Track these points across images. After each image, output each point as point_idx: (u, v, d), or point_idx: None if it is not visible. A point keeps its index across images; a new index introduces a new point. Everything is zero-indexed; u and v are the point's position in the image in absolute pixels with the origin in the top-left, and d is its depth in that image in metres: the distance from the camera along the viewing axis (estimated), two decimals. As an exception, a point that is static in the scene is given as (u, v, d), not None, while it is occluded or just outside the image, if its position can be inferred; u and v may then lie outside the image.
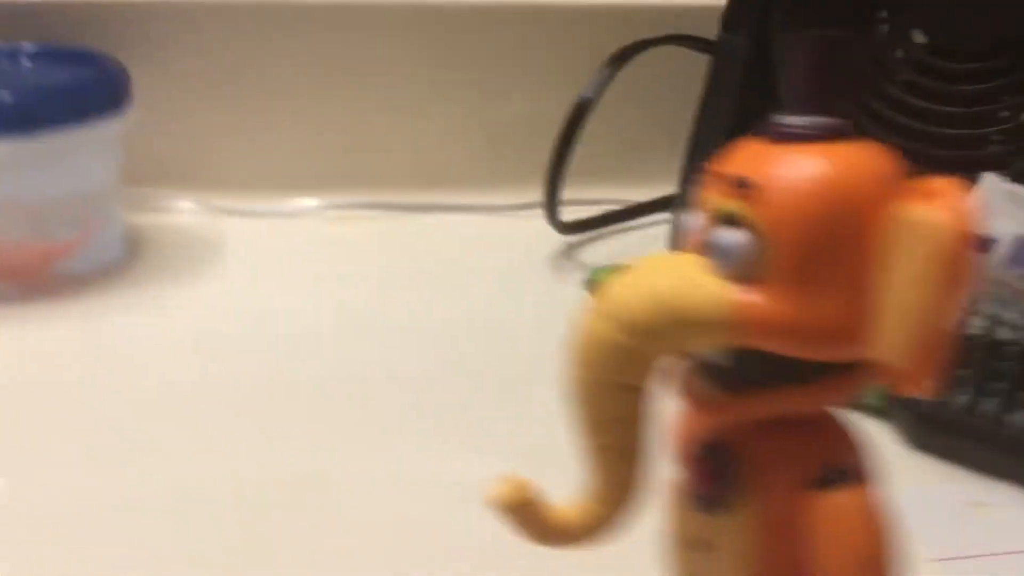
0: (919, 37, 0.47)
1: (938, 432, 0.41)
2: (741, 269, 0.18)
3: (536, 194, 0.58)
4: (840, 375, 0.19)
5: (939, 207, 0.16)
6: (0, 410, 0.43)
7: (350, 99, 0.65)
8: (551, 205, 0.57)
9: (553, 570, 0.32)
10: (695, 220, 0.20)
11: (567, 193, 0.58)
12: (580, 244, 0.60)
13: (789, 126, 0.19)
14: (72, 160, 0.52)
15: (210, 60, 0.63)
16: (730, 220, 0.18)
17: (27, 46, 0.56)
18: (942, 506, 0.39)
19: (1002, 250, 0.42)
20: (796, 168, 0.18)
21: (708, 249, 0.19)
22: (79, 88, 0.52)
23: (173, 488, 0.38)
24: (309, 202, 0.64)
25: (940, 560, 0.36)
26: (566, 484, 0.21)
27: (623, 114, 0.62)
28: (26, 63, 0.55)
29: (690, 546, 0.21)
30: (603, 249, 0.59)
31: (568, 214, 0.59)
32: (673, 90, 0.59)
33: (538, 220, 0.59)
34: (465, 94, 0.66)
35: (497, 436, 0.41)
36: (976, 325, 0.41)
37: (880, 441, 0.41)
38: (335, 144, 0.65)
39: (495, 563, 0.32)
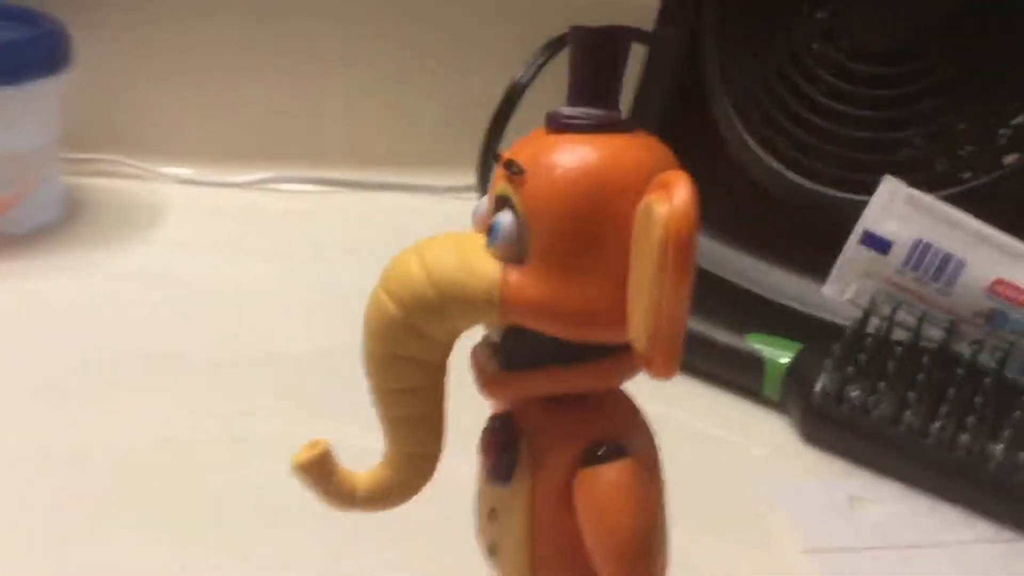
0: (841, 40, 0.47)
1: (829, 427, 0.42)
2: (510, 250, 0.19)
3: (472, 178, 0.59)
4: (607, 358, 0.19)
5: (661, 199, 0.17)
6: None
7: (300, 75, 0.65)
8: (483, 187, 0.57)
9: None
10: (485, 203, 0.20)
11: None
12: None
13: (564, 116, 0.19)
14: (5, 119, 0.52)
15: (158, 24, 0.63)
16: (502, 201, 0.19)
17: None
18: (820, 499, 0.39)
19: (899, 252, 0.42)
20: (556, 155, 0.19)
21: (487, 231, 0.19)
22: (14, 47, 0.52)
23: (98, 445, 0.38)
24: (254, 174, 0.64)
25: (810, 552, 0.36)
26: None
27: (559, 101, 0.62)
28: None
29: (485, 516, 0.21)
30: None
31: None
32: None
33: (473, 201, 0.59)
34: (409, 78, 0.66)
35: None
36: (872, 325, 0.42)
37: (773, 433, 0.43)
38: (280, 118, 0.66)
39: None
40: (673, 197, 0.17)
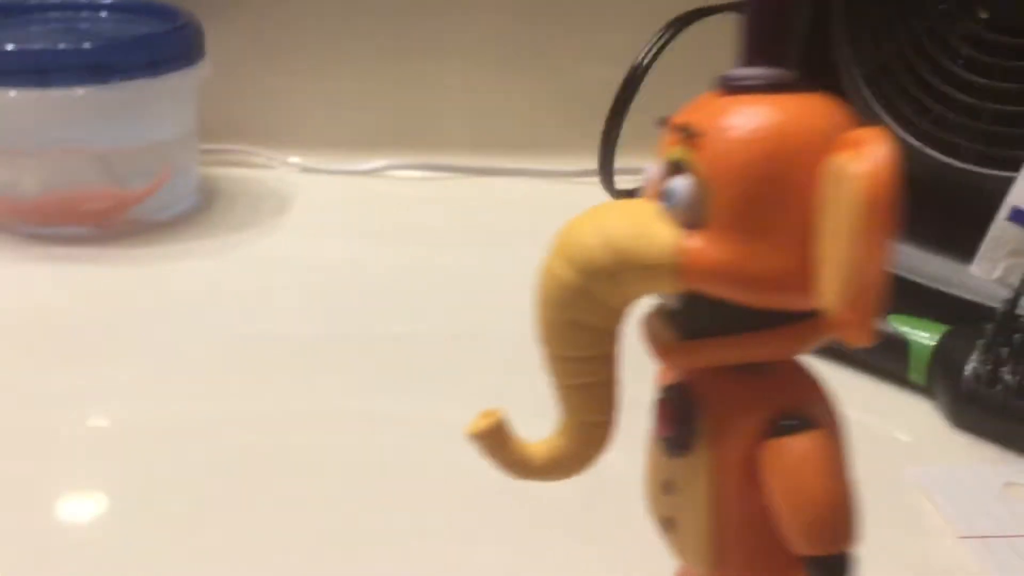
0: (981, 13, 0.45)
1: (979, 411, 0.40)
2: (688, 215, 0.18)
3: (594, 162, 0.58)
4: (790, 325, 0.19)
5: (858, 157, 0.16)
6: (73, 341, 0.45)
7: (420, 65, 0.66)
8: (606, 171, 0.57)
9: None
10: (654, 168, 0.20)
11: (625, 161, 0.58)
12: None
13: (737, 77, 0.19)
14: (144, 110, 0.54)
15: (286, 19, 0.64)
16: (677, 167, 0.19)
17: (104, 1, 0.58)
18: (974, 485, 0.38)
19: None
20: (736, 116, 0.18)
21: (661, 196, 0.19)
22: (153, 40, 0.54)
23: (226, 419, 0.40)
24: (376, 162, 0.65)
25: (966, 538, 0.35)
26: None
27: (680, 82, 0.61)
28: (104, 15, 0.58)
29: (659, 488, 0.21)
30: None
31: (625, 182, 0.59)
32: (728, 59, 0.58)
33: (594, 187, 0.59)
34: (530, 65, 0.66)
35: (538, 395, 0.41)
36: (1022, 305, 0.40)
37: (921, 418, 0.41)
38: (402, 108, 0.67)
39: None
40: (869, 154, 0.16)
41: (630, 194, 0.58)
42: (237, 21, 0.63)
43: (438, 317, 0.48)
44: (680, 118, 0.19)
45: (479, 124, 0.67)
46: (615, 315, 0.19)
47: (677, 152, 0.19)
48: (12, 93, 0.50)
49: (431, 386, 0.42)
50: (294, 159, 0.65)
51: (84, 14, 0.57)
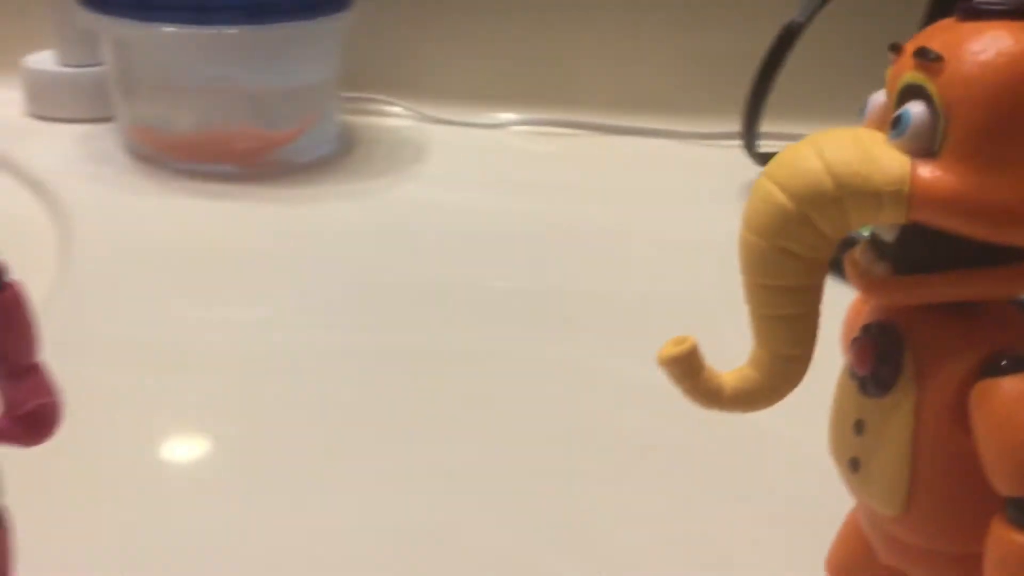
0: None
1: None
2: (919, 144, 0.18)
3: (735, 125, 0.57)
4: (1016, 262, 0.18)
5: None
6: (219, 272, 0.47)
7: (558, 21, 0.66)
8: (749, 134, 0.56)
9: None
10: (878, 98, 0.19)
11: (767, 126, 0.57)
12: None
13: (981, 2, 0.18)
14: (294, 53, 0.55)
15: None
16: (911, 92, 0.18)
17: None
18: None
19: None
20: (980, 42, 0.17)
21: (888, 125, 0.18)
22: (307, -15, 0.55)
23: (362, 350, 0.41)
24: (509, 115, 0.66)
25: None
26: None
27: (833, 46, 0.59)
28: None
29: (849, 428, 0.21)
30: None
31: (766, 147, 0.58)
32: (887, 25, 0.56)
33: (735, 150, 0.58)
34: (670, 23, 0.65)
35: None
36: None
37: None
38: (540, 63, 0.67)
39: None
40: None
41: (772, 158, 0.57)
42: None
43: (571, 269, 0.49)
44: (917, 42, 0.18)
45: (616, 82, 0.67)
46: (828, 245, 0.19)
47: (913, 77, 0.18)
48: (171, 29, 0.51)
49: (564, 333, 0.43)
50: (432, 111, 0.65)
51: (241, -43, 0.59)
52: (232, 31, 0.52)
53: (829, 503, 0.24)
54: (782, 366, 0.20)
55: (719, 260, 0.47)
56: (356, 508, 0.32)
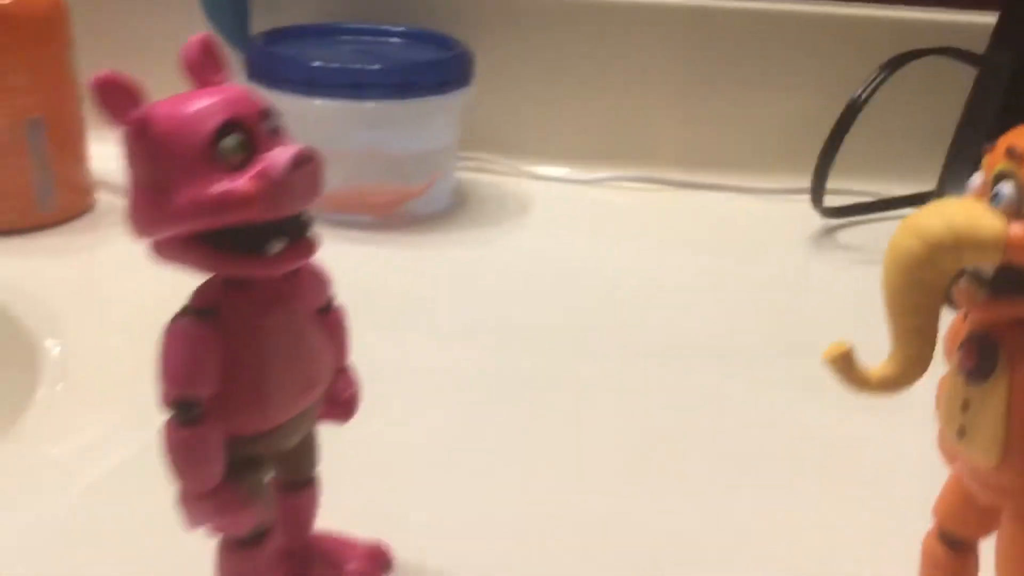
0: None
1: None
2: (1011, 209, 0.27)
3: (800, 181, 0.66)
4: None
5: None
6: (361, 307, 0.54)
7: (642, 90, 0.75)
8: (818, 190, 0.65)
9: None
10: (978, 179, 0.28)
11: (831, 183, 0.66)
12: (840, 228, 0.68)
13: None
14: (429, 122, 0.65)
15: (526, 55, 0.75)
16: (1002, 175, 0.27)
17: (394, 28, 0.70)
18: None
19: None
20: None
21: (987, 199, 0.27)
22: (438, 64, 0.64)
23: (483, 370, 0.50)
24: (598, 173, 0.75)
25: None
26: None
27: (890, 116, 0.69)
28: (394, 41, 0.69)
29: (958, 406, 0.29)
30: (861, 234, 0.67)
31: (830, 201, 0.67)
32: (938, 98, 0.66)
33: (802, 204, 0.67)
34: (742, 89, 0.75)
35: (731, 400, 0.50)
36: None
37: None
38: (626, 126, 0.76)
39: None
40: None
41: (840, 212, 0.66)
42: (492, 52, 0.73)
43: (649, 310, 0.57)
44: (1006, 143, 0.27)
45: (694, 143, 0.76)
46: (946, 277, 0.28)
47: (1004, 166, 0.27)
48: (331, 102, 0.61)
49: (651, 361, 0.52)
50: (531, 168, 0.75)
51: (380, 38, 0.69)
52: (381, 105, 0.61)
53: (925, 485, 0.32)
54: (911, 362, 0.29)
55: (788, 302, 0.57)
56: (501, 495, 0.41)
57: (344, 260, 0.61)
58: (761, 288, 0.60)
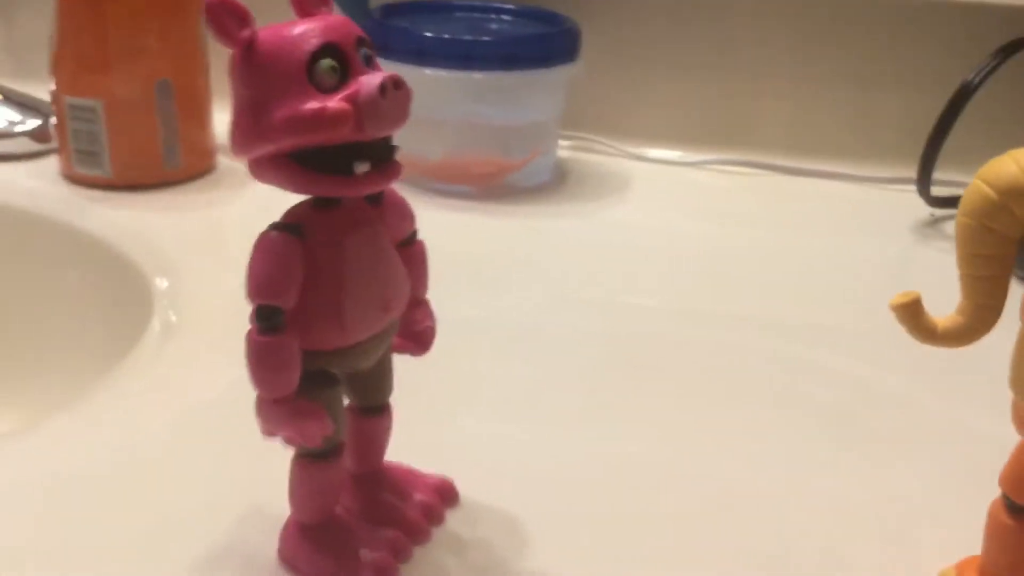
0: None
1: None
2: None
3: (907, 171, 0.65)
4: None
5: None
6: (455, 271, 0.56)
7: (749, 72, 0.75)
8: (925, 178, 0.63)
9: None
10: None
11: (937, 173, 0.64)
12: (947, 219, 0.66)
13: None
14: (535, 95, 0.66)
15: (638, 36, 0.75)
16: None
17: (506, 6, 0.71)
18: None
19: None
20: None
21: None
22: (545, 39, 0.66)
23: (581, 331, 0.52)
24: (703, 156, 0.75)
25: None
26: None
27: (1003, 105, 0.67)
28: (506, 18, 0.71)
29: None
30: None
31: (938, 191, 0.65)
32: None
33: (908, 194, 0.66)
34: (849, 77, 0.74)
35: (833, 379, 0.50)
36: None
37: None
38: (729, 110, 0.76)
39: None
40: None
41: (946, 202, 0.65)
42: (602, 32, 0.74)
43: (744, 290, 0.57)
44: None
45: (796, 130, 0.75)
46: (1019, 226, 0.27)
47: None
48: (440, 72, 0.63)
49: (741, 333, 0.52)
50: (632, 148, 0.76)
51: (491, 15, 0.70)
52: (487, 76, 0.63)
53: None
54: (981, 313, 0.29)
55: (890, 285, 0.56)
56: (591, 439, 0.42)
57: (442, 227, 0.63)
58: (862, 274, 0.60)
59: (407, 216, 0.34)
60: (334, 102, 0.28)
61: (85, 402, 0.43)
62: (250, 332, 0.30)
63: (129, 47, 0.64)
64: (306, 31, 0.29)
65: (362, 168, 0.29)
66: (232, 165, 0.69)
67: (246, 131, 0.29)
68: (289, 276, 0.30)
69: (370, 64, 0.30)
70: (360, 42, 0.30)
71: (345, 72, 0.29)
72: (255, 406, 0.31)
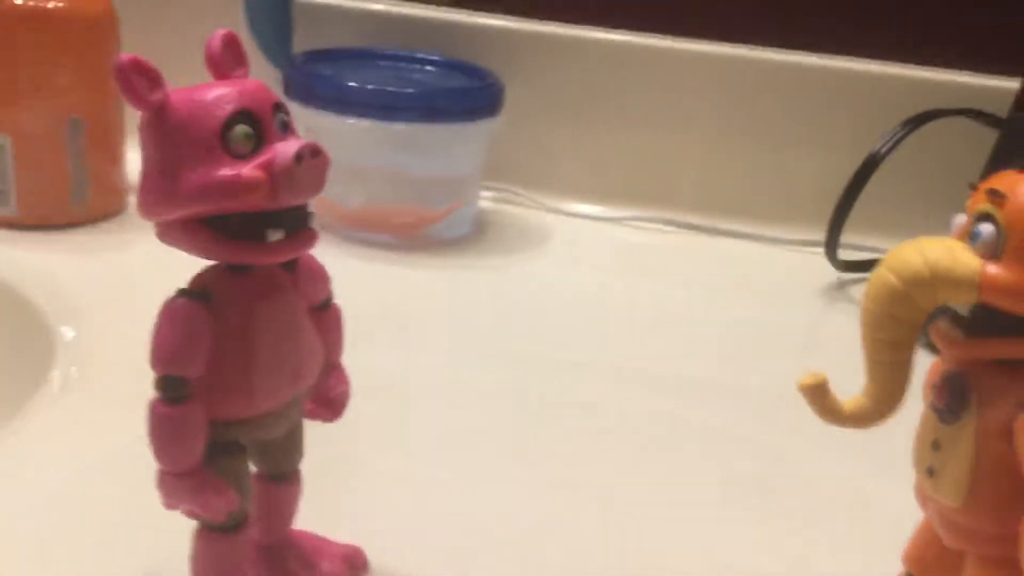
0: None
1: None
2: (988, 250, 0.27)
3: (818, 234, 0.67)
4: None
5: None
6: (372, 322, 0.56)
7: (669, 131, 0.77)
8: (832, 243, 0.65)
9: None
10: (960, 219, 0.29)
11: (848, 238, 0.66)
12: (853, 283, 0.68)
13: (1030, 165, 0.27)
14: (456, 147, 0.66)
15: (556, 93, 0.76)
16: (983, 216, 0.27)
17: (428, 56, 0.71)
18: None
19: None
20: None
21: (967, 238, 0.28)
22: (468, 93, 0.66)
23: (493, 386, 0.51)
24: (622, 211, 0.76)
25: None
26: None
27: (909, 174, 0.69)
28: (429, 69, 0.71)
29: (928, 446, 0.29)
30: (872, 288, 0.67)
31: (845, 255, 0.67)
32: (957, 159, 0.66)
33: (816, 257, 0.68)
34: (766, 138, 0.76)
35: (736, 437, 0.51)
36: None
37: None
38: (650, 168, 0.77)
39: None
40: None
41: (854, 266, 0.66)
42: (524, 86, 0.75)
43: (656, 346, 0.58)
44: (988, 185, 0.28)
45: (711, 189, 0.77)
46: (923, 314, 0.28)
47: (985, 207, 0.28)
48: (361, 122, 0.63)
49: (649, 391, 0.52)
50: (552, 203, 0.76)
51: (415, 65, 0.70)
52: (409, 127, 0.63)
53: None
54: (885, 396, 0.29)
55: (797, 348, 0.57)
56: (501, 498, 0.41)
57: (361, 277, 0.63)
58: (770, 335, 0.61)
59: (322, 281, 0.33)
60: (248, 169, 0.28)
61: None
62: (153, 403, 0.29)
63: (40, 82, 0.62)
64: (221, 96, 0.28)
65: (275, 236, 0.29)
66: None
67: (156, 194, 0.28)
68: (195, 346, 0.29)
69: (286, 130, 0.29)
70: (277, 107, 0.29)
71: (260, 138, 0.28)
72: (156, 478, 0.30)
